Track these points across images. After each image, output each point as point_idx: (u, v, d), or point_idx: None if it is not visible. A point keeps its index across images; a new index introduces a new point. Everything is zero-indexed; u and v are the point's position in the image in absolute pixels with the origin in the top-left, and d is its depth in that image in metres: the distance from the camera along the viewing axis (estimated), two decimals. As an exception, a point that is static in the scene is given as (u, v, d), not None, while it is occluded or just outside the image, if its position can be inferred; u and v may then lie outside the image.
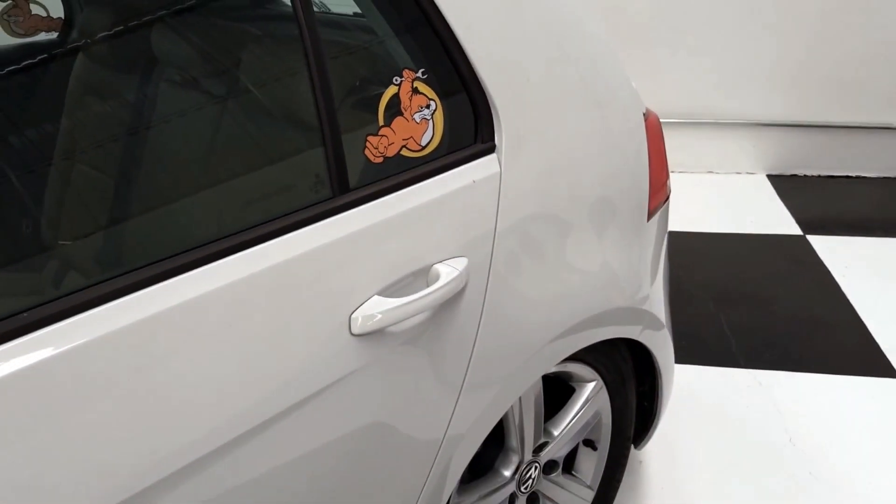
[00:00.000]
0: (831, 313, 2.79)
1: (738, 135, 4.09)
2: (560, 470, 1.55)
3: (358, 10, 1.19)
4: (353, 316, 0.99)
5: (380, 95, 1.08)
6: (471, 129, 1.18)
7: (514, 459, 1.42)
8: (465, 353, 1.16)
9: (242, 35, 1.26)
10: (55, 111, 1.18)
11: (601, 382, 1.52)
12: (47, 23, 1.48)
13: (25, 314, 0.78)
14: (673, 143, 4.03)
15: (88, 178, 1.05)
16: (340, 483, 1.06)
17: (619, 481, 1.72)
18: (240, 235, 0.92)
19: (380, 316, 1.00)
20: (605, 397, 1.54)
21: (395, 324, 1.02)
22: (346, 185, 1.03)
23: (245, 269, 0.90)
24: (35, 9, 1.45)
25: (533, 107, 1.25)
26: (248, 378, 0.91)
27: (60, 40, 1.50)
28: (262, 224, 0.95)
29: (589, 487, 1.63)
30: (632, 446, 1.84)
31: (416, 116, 1.11)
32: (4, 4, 1.44)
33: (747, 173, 4.12)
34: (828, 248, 3.27)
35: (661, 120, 4.22)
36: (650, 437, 1.82)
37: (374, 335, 1.02)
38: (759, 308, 2.83)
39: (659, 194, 1.58)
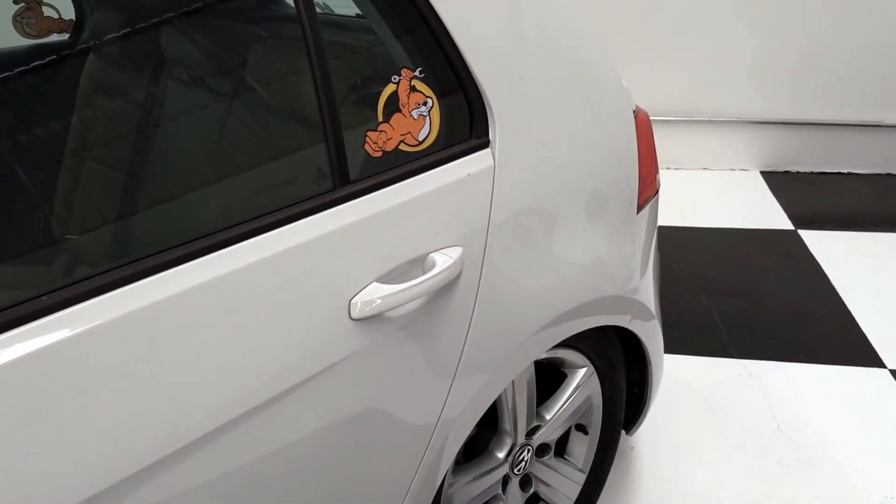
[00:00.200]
0: (820, 305, 2.84)
1: (733, 132, 4.13)
2: (552, 453, 1.60)
3: (358, 11, 1.23)
4: (353, 301, 1.03)
5: (379, 93, 1.12)
6: (466, 125, 1.23)
7: (508, 442, 1.46)
8: (459, 338, 1.21)
9: (248, 36, 1.31)
10: (67, 109, 1.22)
11: (592, 369, 1.57)
12: (59, 24, 1.51)
13: (45, 297, 0.82)
14: (669, 141, 4.11)
15: (102, 172, 1.10)
16: (338, 462, 1.10)
17: (609, 465, 1.76)
18: (247, 225, 0.96)
19: (378, 301, 1.04)
20: (595, 383, 1.59)
21: (392, 309, 1.06)
22: (347, 178, 1.07)
23: (251, 257, 0.95)
24: (47, 11, 1.49)
25: (526, 104, 1.29)
26: (253, 359, 0.95)
27: (71, 41, 1.53)
28: (267, 214, 0.99)
29: (580, 470, 1.68)
30: (623, 432, 1.90)
31: (414, 113, 1.16)
32: (17, 7, 1.48)
33: (741, 170, 4.16)
34: (818, 242, 3.31)
35: (657, 118, 4.28)
36: (641, 423, 1.87)
37: (373, 320, 1.06)
38: (750, 300, 2.87)
39: (648, 188, 1.62)
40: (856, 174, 4.08)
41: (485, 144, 1.23)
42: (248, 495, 0.99)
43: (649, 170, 1.62)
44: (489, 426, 1.46)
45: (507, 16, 1.27)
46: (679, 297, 2.88)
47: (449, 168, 1.18)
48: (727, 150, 4.16)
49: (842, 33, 3.83)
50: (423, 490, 1.24)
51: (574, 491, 1.68)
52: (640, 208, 1.59)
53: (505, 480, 1.51)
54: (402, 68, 1.14)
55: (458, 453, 1.38)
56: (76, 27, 1.52)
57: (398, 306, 1.07)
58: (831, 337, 2.64)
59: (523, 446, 1.50)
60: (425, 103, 1.17)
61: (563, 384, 1.55)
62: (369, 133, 1.11)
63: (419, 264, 1.13)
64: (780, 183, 3.98)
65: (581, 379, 1.55)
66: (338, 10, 1.26)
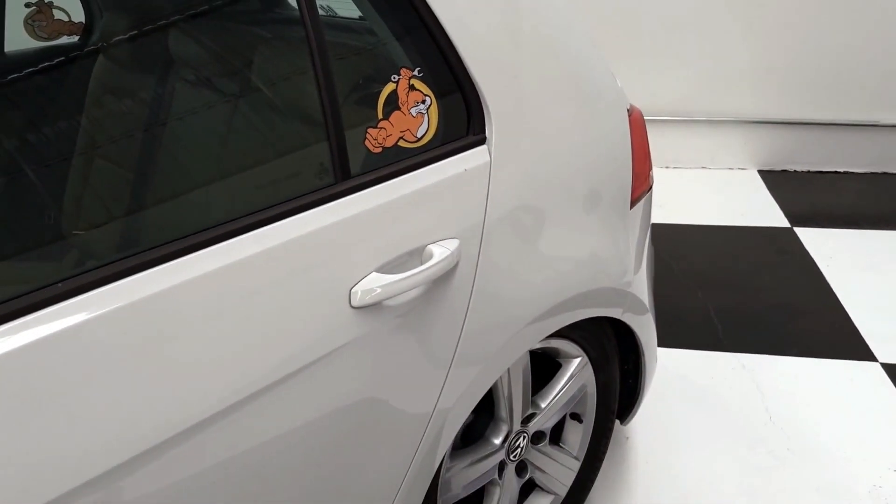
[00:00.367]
0: (814, 301, 2.87)
1: (731, 132, 4.16)
2: (547, 441, 1.63)
3: (360, 13, 1.27)
4: (353, 290, 1.07)
5: (379, 92, 1.16)
6: (463, 122, 1.27)
7: (504, 429, 1.50)
8: (456, 327, 1.24)
9: (253, 38, 1.35)
10: (77, 109, 1.27)
11: (586, 359, 1.60)
12: (69, 27, 1.54)
13: (60, 284, 0.87)
14: (668, 140, 4.15)
15: (115, 167, 1.14)
16: (337, 447, 1.13)
17: (603, 453, 1.80)
18: (253, 216, 1.00)
19: (378, 290, 1.08)
20: (589, 372, 1.63)
21: (391, 297, 1.10)
22: (348, 173, 1.11)
23: (257, 246, 0.99)
24: (57, 14, 1.52)
25: (521, 102, 1.33)
26: (258, 344, 0.99)
27: (81, 43, 1.57)
28: (272, 207, 1.03)
29: (575, 458, 1.71)
30: (618, 422, 1.93)
31: (413, 111, 1.20)
32: (29, 10, 1.51)
33: (739, 169, 4.19)
34: (813, 239, 3.34)
35: (657, 118, 4.28)
36: (635, 413, 1.90)
37: (373, 308, 1.10)
38: (745, 295, 2.91)
39: (642, 184, 1.66)
40: (852, 173, 4.10)
41: (481, 141, 1.27)
42: (252, 476, 1.03)
43: (643, 166, 1.66)
44: (486, 413, 1.50)
45: (503, 17, 1.31)
46: (675, 293, 2.92)
47: (446, 164, 1.22)
48: (726, 150, 4.19)
49: (839, 34, 3.85)
50: (421, 473, 1.28)
51: (569, 477, 1.72)
52: (633, 203, 1.62)
53: (501, 466, 1.54)
54: (401, 68, 1.18)
55: (456, 439, 1.42)
56: (85, 30, 1.56)
57: (397, 295, 1.11)
58: (824, 331, 2.68)
59: (519, 433, 1.54)
60: (424, 101, 1.21)
61: (558, 374, 1.59)
62: (369, 130, 1.15)
63: (417, 255, 1.17)
64: (778, 181, 4.01)
65: (575, 369, 1.59)
66: (339, 13, 1.30)
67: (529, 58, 1.36)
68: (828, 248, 3.26)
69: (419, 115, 1.20)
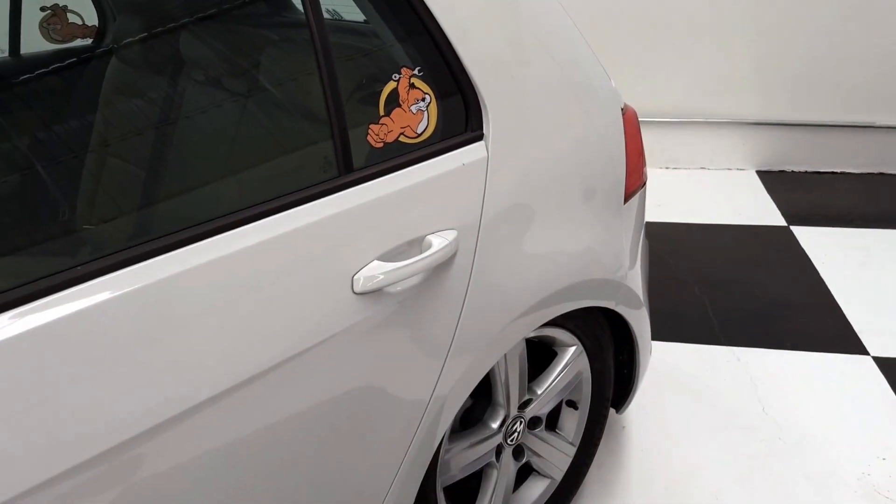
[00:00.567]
0: (809, 297, 2.91)
1: (730, 133, 4.20)
2: (544, 426, 1.68)
3: (362, 16, 1.32)
4: (356, 277, 1.12)
5: (381, 90, 1.22)
6: (461, 119, 1.31)
7: (501, 413, 1.55)
8: (454, 314, 1.29)
9: (262, 40, 1.40)
10: (90, 109, 1.32)
11: (581, 348, 1.65)
12: (82, 30, 1.57)
13: (80, 268, 0.92)
14: (668, 141, 4.19)
15: (136, 159, 1.19)
16: (340, 425, 1.18)
17: (598, 439, 1.84)
18: (261, 206, 1.05)
19: (381, 277, 1.13)
20: (584, 361, 1.67)
21: (392, 284, 1.15)
22: (351, 166, 1.16)
23: (265, 235, 1.04)
24: (72, 17, 1.55)
25: (518, 100, 1.38)
26: (266, 325, 1.04)
27: (94, 46, 1.62)
28: (279, 197, 1.08)
29: (571, 443, 1.76)
30: (614, 411, 1.98)
31: (413, 108, 1.25)
32: (44, 14, 1.56)
33: (738, 169, 4.23)
34: (810, 237, 3.38)
35: (657, 119, 4.31)
36: (630, 403, 1.94)
37: (374, 294, 1.15)
38: (741, 292, 2.94)
39: (636, 180, 1.70)
40: (848, 173, 4.14)
41: (479, 137, 1.32)
42: (260, 451, 1.08)
43: (636, 163, 1.70)
44: (484, 398, 1.54)
45: (501, 20, 1.36)
46: (673, 289, 2.96)
47: (445, 158, 1.27)
48: (724, 151, 4.23)
49: (835, 38, 3.89)
50: (421, 453, 1.32)
51: (564, 462, 1.76)
52: (627, 199, 1.67)
53: (499, 449, 1.59)
54: (402, 67, 1.23)
55: (455, 422, 1.47)
56: (99, 32, 1.60)
57: (398, 282, 1.16)
58: (818, 326, 2.71)
59: (516, 418, 1.58)
60: (423, 99, 1.26)
61: (554, 361, 1.63)
62: (371, 126, 1.20)
63: (417, 245, 1.22)
64: (776, 182, 4.05)
65: (570, 357, 1.63)
66: (343, 16, 1.35)
67: (526, 58, 1.40)
68: (823, 245, 3.30)
69: (419, 112, 1.25)
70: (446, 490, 1.52)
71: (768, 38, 3.93)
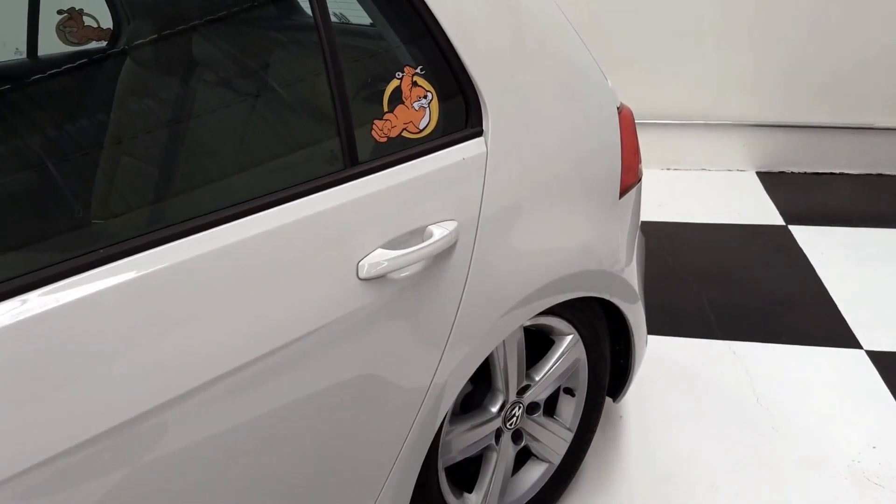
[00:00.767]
0: (805, 293, 2.95)
1: (730, 135, 4.24)
2: (542, 412, 1.73)
3: (368, 18, 1.38)
4: (361, 263, 1.18)
5: (385, 87, 1.27)
6: (462, 116, 1.37)
7: (500, 398, 1.60)
8: (454, 300, 1.34)
9: (272, 42, 1.46)
10: (104, 108, 1.38)
11: (577, 336, 1.70)
12: (98, 33, 1.62)
13: (102, 250, 0.98)
14: (669, 143, 4.24)
15: (160, 153, 1.26)
16: (344, 405, 1.23)
17: (595, 425, 1.89)
18: (271, 196, 1.11)
19: (385, 263, 1.18)
20: (581, 349, 1.72)
21: (395, 271, 1.20)
22: (356, 160, 1.22)
23: (275, 223, 1.10)
24: (87, 21, 1.60)
25: (516, 98, 1.43)
26: (275, 307, 1.10)
27: (109, 48, 1.68)
28: (288, 188, 1.13)
29: (568, 429, 1.81)
30: (612, 400, 2.03)
31: (415, 105, 1.30)
32: (61, 17, 1.62)
33: (738, 170, 4.26)
34: (807, 236, 3.42)
35: (659, 121, 4.36)
36: (626, 391, 1.99)
37: (378, 281, 1.20)
38: (739, 288, 2.99)
39: (631, 177, 1.75)
40: (846, 174, 4.17)
41: (478, 133, 1.37)
42: (268, 427, 1.13)
43: (632, 160, 1.75)
44: (484, 384, 1.60)
45: (501, 22, 1.42)
46: (672, 286, 3.01)
47: (446, 153, 1.32)
48: (724, 152, 4.27)
49: (834, 41, 3.93)
50: (423, 432, 1.38)
51: (562, 447, 1.81)
52: (622, 194, 1.72)
53: (498, 433, 1.64)
54: (405, 66, 1.28)
55: (456, 405, 1.52)
56: (113, 35, 1.66)
57: (401, 269, 1.21)
58: (813, 321, 2.75)
59: (515, 403, 1.63)
60: (425, 96, 1.31)
61: (551, 349, 1.68)
62: (375, 121, 1.26)
63: (419, 235, 1.27)
64: (775, 182, 4.09)
65: (567, 345, 1.68)
66: (349, 16, 1.40)
67: (524, 59, 1.46)
68: (821, 244, 3.33)
69: (421, 109, 1.31)
70: (449, 475, 1.58)
71: (768, 42, 3.98)
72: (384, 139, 1.27)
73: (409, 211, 1.26)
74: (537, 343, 1.69)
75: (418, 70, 1.30)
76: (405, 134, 1.30)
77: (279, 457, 1.17)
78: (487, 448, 1.64)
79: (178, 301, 1.01)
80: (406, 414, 1.34)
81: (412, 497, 1.44)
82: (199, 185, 1.20)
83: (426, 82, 1.31)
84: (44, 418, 0.90)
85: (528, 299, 1.48)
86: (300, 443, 1.19)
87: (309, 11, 1.20)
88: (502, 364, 1.56)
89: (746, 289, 2.99)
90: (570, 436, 1.82)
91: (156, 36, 1.49)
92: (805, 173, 4.22)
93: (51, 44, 1.56)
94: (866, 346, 2.57)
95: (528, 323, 1.55)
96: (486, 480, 1.65)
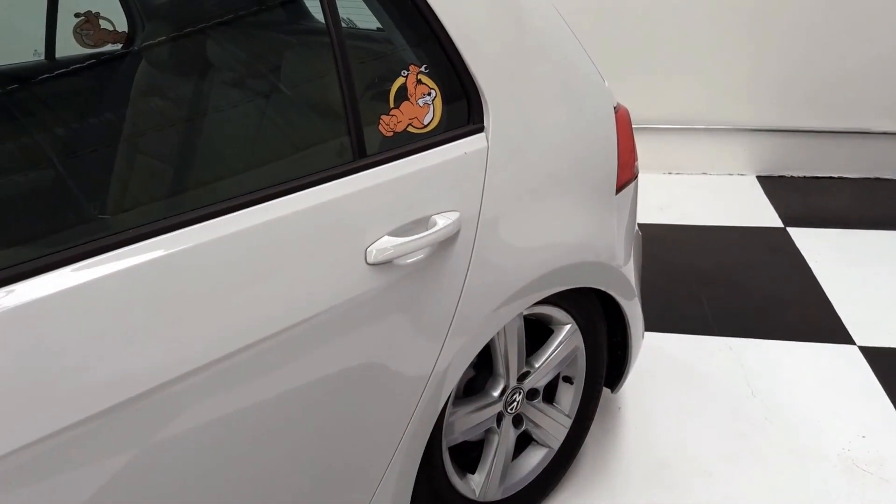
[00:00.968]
0: (801, 292, 3.00)
1: (731, 139, 4.29)
2: (541, 398, 1.80)
3: (375, 20, 1.46)
4: (368, 249, 1.24)
5: (391, 85, 1.35)
6: (464, 112, 1.44)
7: (501, 383, 1.66)
8: (457, 287, 1.41)
9: (285, 44, 1.54)
10: (122, 107, 1.45)
11: (575, 326, 1.76)
12: (113, 36, 1.69)
13: (131, 230, 1.05)
14: (671, 147, 4.30)
15: (181, 149, 1.33)
16: (354, 382, 1.29)
17: (593, 413, 1.95)
18: (284, 185, 1.18)
19: (391, 249, 1.25)
20: (579, 338, 1.79)
21: (401, 256, 1.28)
22: (364, 152, 1.29)
23: (288, 209, 1.17)
24: (103, 24, 1.67)
25: (516, 97, 1.50)
26: (287, 289, 1.16)
27: (125, 51, 1.75)
28: (300, 178, 1.20)
29: (567, 416, 1.87)
30: (609, 391, 2.09)
31: (420, 101, 1.38)
32: (78, 20, 1.69)
33: (738, 174, 4.32)
34: (805, 238, 3.47)
35: (660, 126, 4.42)
36: (623, 382, 2.05)
37: (385, 266, 1.27)
38: (736, 288, 3.05)
39: (627, 173, 1.82)
40: (845, 178, 4.23)
41: (480, 129, 1.44)
42: (277, 405, 1.19)
43: (628, 158, 1.82)
44: (486, 370, 1.67)
45: (502, 24, 1.49)
46: (671, 286, 3.06)
47: (449, 147, 1.39)
48: (725, 156, 4.32)
49: (833, 47, 3.98)
50: (426, 414, 1.44)
51: (561, 433, 1.88)
52: (619, 190, 1.79)
53: (499, 417, 1.70)
54: (410, 64, 1.36)
55: (459, 389, 1.59)
56: (128, 38, 1.74)
57: (406, 255, 1.29)
58: (808, 319, 2.81)
59: (515, 389, 1.70)
60: (429, 94, 1.39)
61: (550, 338, 1.75)
62: (382, 117, 1.33)
63: (423, 224, 1.34)
64: (775, 186, 4.14)
65: (566, 334, 1.75)
66: (359, 19, 1.48)
67: (524, 59, 1.53)
68: (818, 246, 3.39)
69: (425, 106, 1.38)
70: (453, 459, 1.65)
71: (768, 46, 4.04)
72: (390, 134, 1.34)
73: (414, 201, 1.33)
74: (538, 332, 1.76)
75: (423, 69, 1.37)
76: (410, 129, 1.37)
77: (284, 441, 1.23)
78: (489, 431, 1.70)
79: (197, 280, 1.08)
80: (410, 395, 1.41)
81: (418, 477, 1.50)
82: (223, 176, 1.27)
83: (430, 80, 1.39)
84: (53, 395, 0.95)
85: (526, 289, 1.54)
86: (306, 426, 1.25)
87: (318, 16, 1.28)
88: (503, 350, 1.62)
89: (744, 288, 3.04)
90: (568, 422, 1.88)
91: (170, 36, 1.56)
92: (804, 177, 4.28)
93: (68, 46, 1.62)
94: (859, 342, 2.63)
95: (527, 312, 1.62)
96: (489, 462, 1.71)
